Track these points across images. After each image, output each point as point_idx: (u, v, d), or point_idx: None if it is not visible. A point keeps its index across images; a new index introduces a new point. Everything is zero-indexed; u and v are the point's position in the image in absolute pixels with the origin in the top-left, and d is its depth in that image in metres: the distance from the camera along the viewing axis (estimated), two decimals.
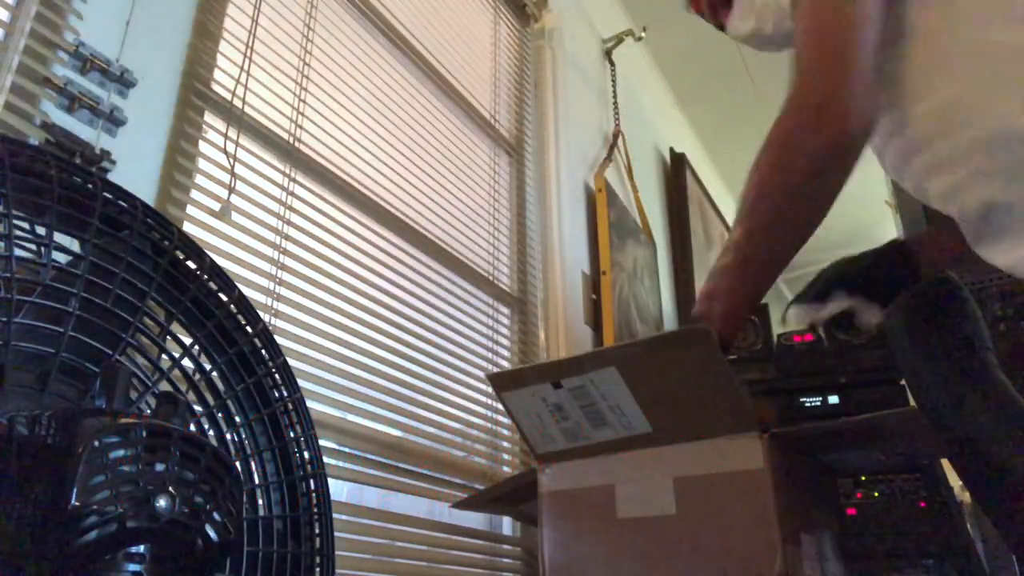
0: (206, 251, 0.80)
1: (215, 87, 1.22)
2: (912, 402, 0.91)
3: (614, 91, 2.84)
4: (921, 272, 0.94)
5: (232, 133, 1.21)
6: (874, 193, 3.44)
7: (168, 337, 0.74)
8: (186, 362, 0.75)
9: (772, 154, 0.80)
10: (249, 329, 0.80)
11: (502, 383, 1.08)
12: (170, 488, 0.54)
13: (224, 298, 0.78)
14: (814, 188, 0.77)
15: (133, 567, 0.51)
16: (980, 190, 0.69)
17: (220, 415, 0.75)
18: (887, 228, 3.39)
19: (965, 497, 1.47)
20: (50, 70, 0.96)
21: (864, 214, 3.60)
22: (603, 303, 2.27)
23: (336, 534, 0.81)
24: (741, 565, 1.00)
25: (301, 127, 1.39)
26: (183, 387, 0.74)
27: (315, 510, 0.79)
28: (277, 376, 0.81)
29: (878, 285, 0.94)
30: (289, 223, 1.30)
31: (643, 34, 2.97)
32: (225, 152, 1.19)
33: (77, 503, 0.50)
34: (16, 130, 0.90)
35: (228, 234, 1.18)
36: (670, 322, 2.87)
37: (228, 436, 0.76)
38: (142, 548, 0.52)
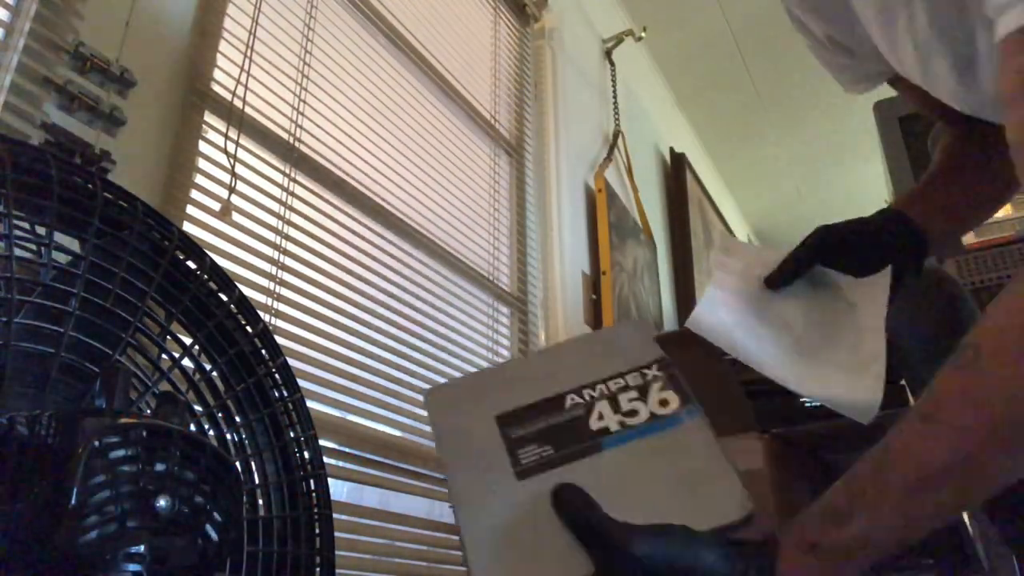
0: (206, 251, 0.80)
1: (215, 87, 1.22)
2: (912, 402, 0.91)
3: (614, 91, 2.84)
4: (926, 238, 0.81)
5: (232, 133, 1.21)
6: (875, 193, 3.44)
7: (168, 337, 0.74)
8: (186, 362, 0.75)
9: None
10: (249, 329, 0.79)
11: None
12: (170, 488, 0.54)
13: (224, 298, 0.78)
14: None
15: (133, 567, 0.51)
16: None
17: (220, 415, 0.75)
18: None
19: None
20: (50, 70, 0.96)
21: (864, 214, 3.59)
22: (603, 303, 2.27)
23: (336, 534, 0.81)
24: None
25: (301, 127, 1.39)
26: (183, 387, 0.74)
27: (315, 510, 0.79)
28: (277, 376, 0.81)
29: (871, 255, 0.78)
30: (289, 223, 1.30)
31: (643, 34, 2.97)
32: (225, 152, 1.19)
33: (77, 503, 0.50)
34: (16, 130, 0.90)
35: (228, 234, 1.18)
36: (670, 322, 2.87)
37: (228, 436, 0.76)
38: (142, 548, 0.52)
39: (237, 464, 0.69)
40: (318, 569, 0.77)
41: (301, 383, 0.84)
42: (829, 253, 0.78)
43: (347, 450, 1.31)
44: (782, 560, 0.49)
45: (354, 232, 1.46)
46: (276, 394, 0.80)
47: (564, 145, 2.34)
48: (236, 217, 1.19)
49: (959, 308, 0.97)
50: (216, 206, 1.16)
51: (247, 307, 0.80)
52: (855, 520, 0.49)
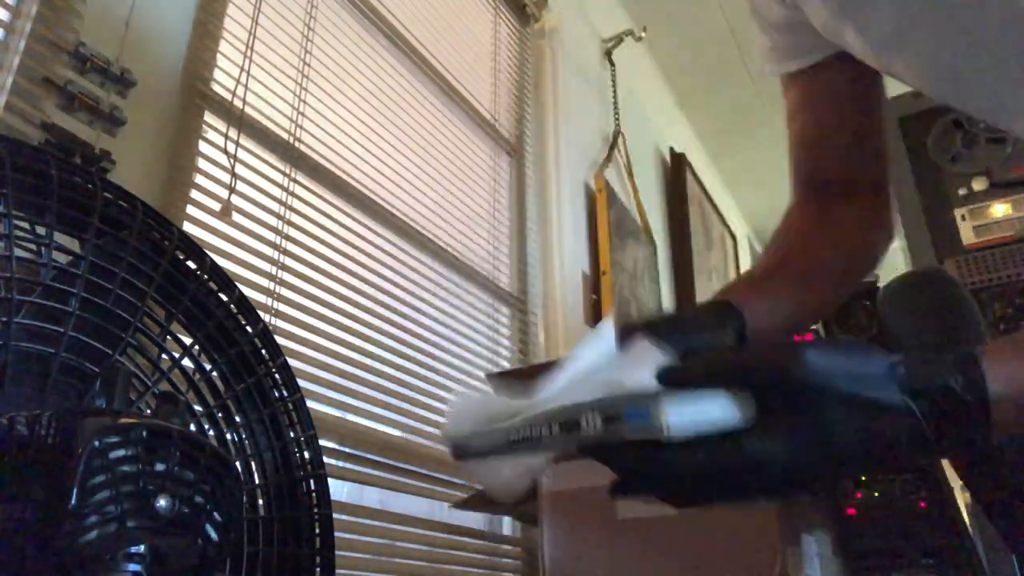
0: (206, 251, 0.79)
1: (215, 87, 1.22)
2: None
3: (614, 91, 2.83)
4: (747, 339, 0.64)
5: (232, 133, 1.21)
6: None
7: (168, 337, 0.74)
8: (186, 362, 0.75)
9: None
10: (249, 329, 0.80)
11: (502, 383, 1.07)
12: (170, 488, 0.54)
13: (224, 298, 0.78)
14: None
15: (133, 567, 0.51)
16: None
17: (220, 415, 0.75)
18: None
19: (965, 497, 1.47)
20: (50, 70, 0.96)
21: None
22: (603, 303, 2.27)
23: (336, 534, 0.81)
24: (741, 565, 1.00)
25: (301, 127, 1.39)
26: (183, 387, 0.74)
27: (315, 510, 0.79)
28: (277, 376, 0.81)
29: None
30: (289, 223, 1.30)
31: (643, 34, 2.97)
32: (225, 152, 1.19)
33: (77, 503, 0.50)
34: (16, 130, 0.90)
35: (228, 234, 1.18)
36: None
37: (228, 436, 0.76)
38: (142, 548, 0.52)
39: (237, 464, 0.69)
40: (318, 569, 0.77)
41: (301, 383, 0.84)
42: None
43: (347, 450, 1.31)
44: (988, 355, 0.42)
45: (354, 232, 1.46)
46: (276, 394, 0.80)
47: (564, 145, 2.34)
48: (236, 217, 1.19)
49: (959, 308, 0.97)
50: (216, 206, 1.16)
51: (247, 307, 0.80)
52: None
